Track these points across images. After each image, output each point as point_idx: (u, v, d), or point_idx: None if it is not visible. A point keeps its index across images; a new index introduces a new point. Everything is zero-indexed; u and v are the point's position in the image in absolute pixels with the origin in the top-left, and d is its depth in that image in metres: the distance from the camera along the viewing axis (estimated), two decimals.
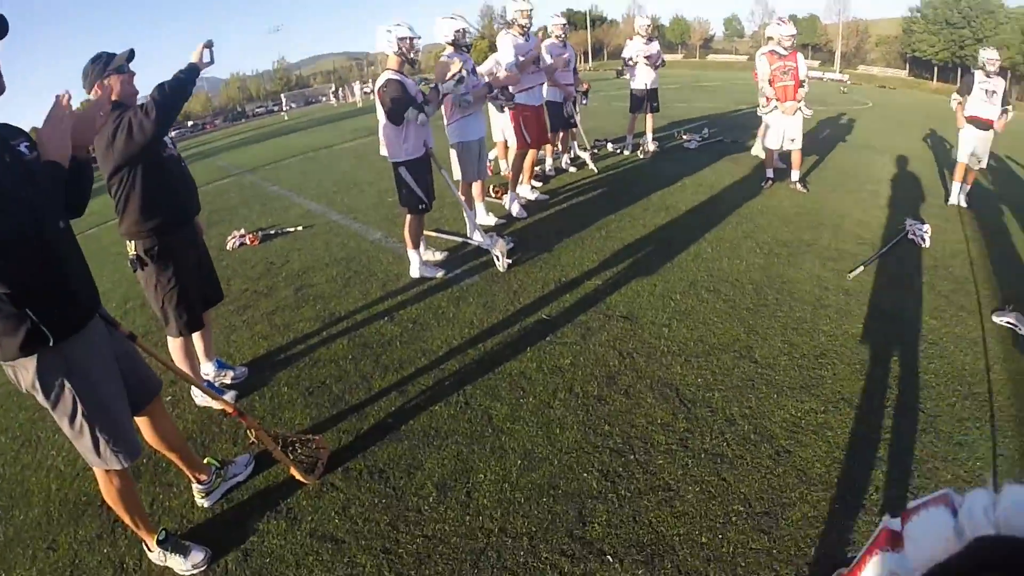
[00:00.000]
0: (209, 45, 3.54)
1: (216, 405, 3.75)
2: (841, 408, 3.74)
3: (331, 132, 22.36)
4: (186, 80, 3.43)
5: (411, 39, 5.16)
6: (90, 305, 2.48)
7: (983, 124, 7.94)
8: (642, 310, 5.04)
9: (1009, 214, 8.06)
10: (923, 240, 6.58)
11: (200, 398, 4.07)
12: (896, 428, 3.57)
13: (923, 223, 6.84)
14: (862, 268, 5.76)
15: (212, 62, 3.61)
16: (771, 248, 6.32)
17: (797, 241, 6.55)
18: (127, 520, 2.79)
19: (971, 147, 8.04)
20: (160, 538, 2.85)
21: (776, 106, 8.55)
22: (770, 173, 8.99)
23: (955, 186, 8.32)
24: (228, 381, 4.28)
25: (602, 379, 4.11)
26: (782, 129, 8.56)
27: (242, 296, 5.73)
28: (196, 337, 4.02)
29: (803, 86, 8.44)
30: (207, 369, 4.24)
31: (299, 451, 3.34)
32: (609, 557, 2.73)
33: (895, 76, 70.56)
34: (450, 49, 6.16)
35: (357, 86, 53.82)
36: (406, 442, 3.55)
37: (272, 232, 7.78)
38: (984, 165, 8.31)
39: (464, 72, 5.59)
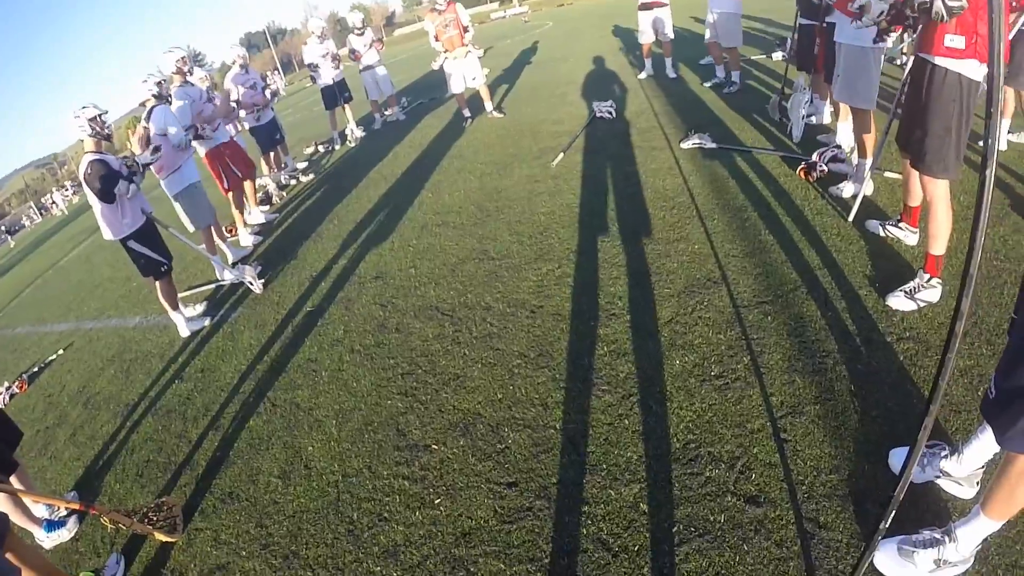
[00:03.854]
0: None
1: (64, 534, 4.06)
2: (571, 259, 4.97)
3: (49, 251, 20.83)
4: None
5: (99, 116, 5.55)
6: None
7: (650, 5, 9.84)
8: (387, 265, 6.00)
9: (684, 69, 10.20)
10: (611, 113, 8.34)
11: (47, 540, 4.25)
12: (626, 248, 4.90)
13: (607, 101, 8.61)
14: (563, 155, 7.26)
15: None
16: (482, 171, 7.68)
17: (504, 156, 8.01)
18: None
19: (645, 27, 10.01)
20: None
21: (447, 56, 10.08)
22: (467, 112, 10.67)
23: (647, 62, 10.50)
24: (64, 512, 4.47)
25: (374, 331, 4.95)
26: (461, 73, 10.15)
27: (37, 439, 5.72)
28: (15, 481, 4.16)
29: (467, 31, 10.02)
30: (39, 511, 4.38)
31: (155, 518, 3.68)
32: (434, 446, 3.51)
33: None
34: (151, 101, 6.62)
35: (57, 196, 49.64)
36: (239, 462, 4.06)
37: (36, 369, 7.59)
38: (666, 39, 10.17)
39: (159, 137, 6.21)
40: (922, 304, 3.45)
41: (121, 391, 5.82)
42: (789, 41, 8.02)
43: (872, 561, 2.19)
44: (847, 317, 3.53)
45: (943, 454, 2.41)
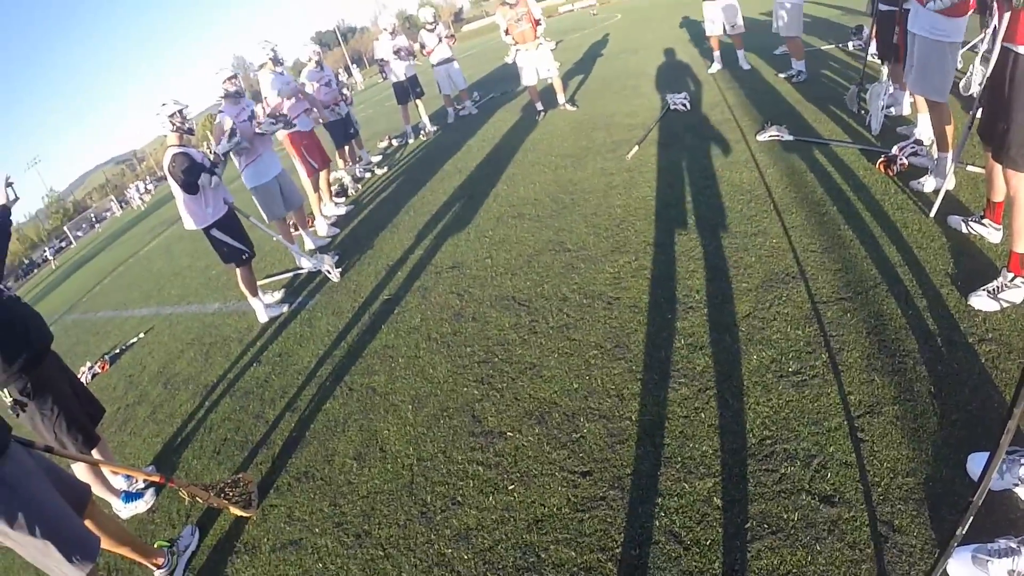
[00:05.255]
0: (9, 182, 3.85)
1: (141, 505, 4.35)
2: (648, 251, 5.01)
3: (129, 242, 21.88)
4: None
5: (179, 111, 5.83)
6: (4, 425, 2.87)
7: None
8: (464, 256, 6.15)
9: (756, 61, 10.05)
10: (685, 106, 8.30)
11: (124, 511, 4.52)
12: (703, 241, 4.91)
13: (680, 93, 8.59)
14: (637, 148, 7.28)
15: (17, 198, 3.94)
16: (556, 163, 7.79)
17: (577, 149, 8.09)
18: None
19: (713, 18, 9.87)
20: None
21: (519, 49, 10.18)
22: (539, 106, 10.76)
23: (715, 55, 10.33)
24: (141, 485, 4.73)
25: (451, 319, 5.09)
26: (534, 66, 10.22)
27: (117, 416, 6.05)
28: (96, 453, 4.42)
29: (540, 24, 10.07)
30: (118, 483, 4.66)
31: (231, 493, 3.90)
32: (508, 433, 3.61)
33: None
34: (222, 103, 7.00)
35: (133, 190, 51.88)
36: (314, 442, 4.25)
37: (118, 351, 8.03)
38: (736, 31, 9.98)
39: (234, 125, 6.46)
40: (1005, 304, 3.36)
41: (200, 373, 6.13)
42: (866, 29, 7.90)
43: (946, 568, 2.18)
44: (928, 316, 3.47)
45: (1023, 461, 2.38)
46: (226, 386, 5.61)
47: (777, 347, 3.54)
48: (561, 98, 10.58)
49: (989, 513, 2.32)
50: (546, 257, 5.49)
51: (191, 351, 6.80)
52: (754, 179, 5.75)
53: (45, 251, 52.14)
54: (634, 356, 3.87)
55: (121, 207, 55.89)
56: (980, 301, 3.42)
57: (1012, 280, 3.38)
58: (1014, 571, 2.09)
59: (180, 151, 5.72)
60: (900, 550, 2.32)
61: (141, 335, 8.27)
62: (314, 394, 4.85)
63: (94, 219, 63.35)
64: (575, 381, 3.83)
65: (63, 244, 55.32)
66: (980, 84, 3.55)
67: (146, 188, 52.86)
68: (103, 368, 7.75)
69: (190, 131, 5.96)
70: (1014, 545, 2.11)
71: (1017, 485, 2.39)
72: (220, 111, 6.96)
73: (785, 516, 2.57)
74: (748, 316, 3.88)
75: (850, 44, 9.63)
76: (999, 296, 3.39)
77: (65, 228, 60.26)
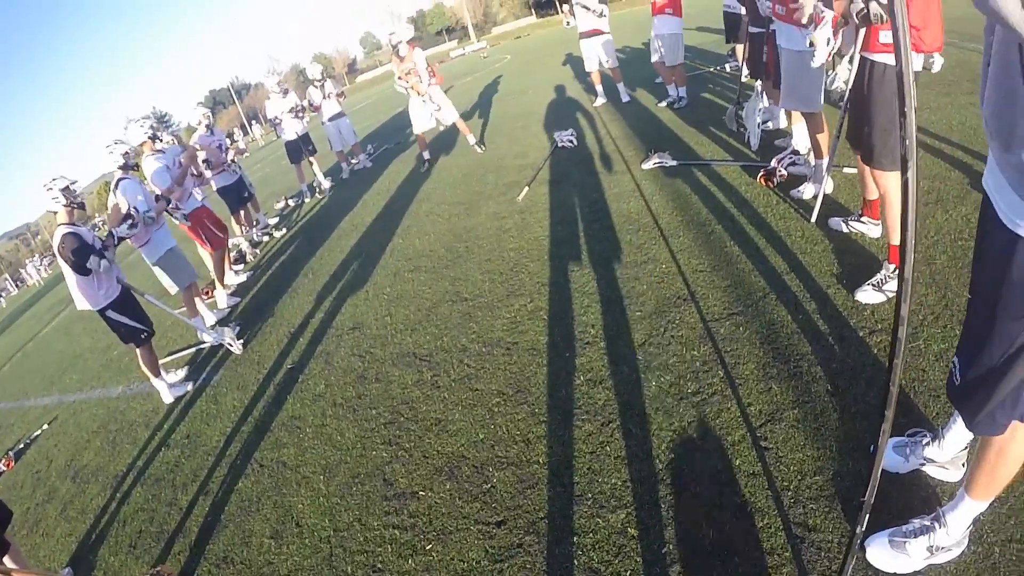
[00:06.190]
0: None
1: None
2: (543, 292, 4.97)
3: (28, 324, 20.77)
4: None
5: (70, 186, 5.59)
6: None
7: (590, 33, 10.22)
8: (363, 315, 5.99)
9: (640, 90, 10.31)
10: (572, 142, 8.45)
11: None
12: (596, 275, 4.91)
13: (567, 130, 8.73)
14: (527, 188, 7.33)
15: None
16: (450, 212, 7.73)
17: (469, 195, 8.08)
18: None
19: (590, 55, 10.34)
20: None
21: (410, 96, 10.20)
22: (426, 155, 10.89)
23: (598, 88, 10.83)
24: None
25: (354, 382, 4.93)
26: (427, 112, 10.26)
27: (28, 516, 5.68)
28: (8, 561, 4.12)
29: (435, 75, 10.11)
30: None
31: None
32: (421, 492, 3.48)
33: (527, 24, 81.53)
34: (119, 173, 6.66)
35: (31, 268, 49.53)
36: (230, 525, 4.01)
37: (22, 446, 7.55)
38: (611, 65, 10.45)
39: (134, 210, 6.16)
40: (890, 295, 3.51)
41: (109, 462, 5.77)
42: (739, 52, 8.23)
43: (866, 557, 2.20)
44: (818, 317, 3.56)
45: (925, 441, 2.42)
46: (136, 474, 5.29)
47: (675, 371, 3.54)
48: (471, 138, 10.62)
49: (902, 496, 2.38)
50: (444, 309, 5.39)
51: (97, 440, 6.40)
52: (641, 207, 5.83)
53: None
54: (536, 399, 3.80)
55: (16, 286, 53.51)
56: (866, 295, 3.57)
57: (894, 271, 3.54)
58: (932, 546, 2.10)
59: (70, 231, 5.46)
60: (818, 548, 2.33)
61: (45, 426, 7.80)
62: (225, 474, 4.61)
63: None
64: (481, 431, 3.73)
65: None
66: (846, 81, 3.72)
67: (43, 264, 50.62)
68: (8, 465, 7.27)
69: (81, 206, 5.72)
70: (927, 523, 2.13)
71: (924, 464, 2.43)
72: (120, 179, 6.63)
73: (700, 535, 2.54)
74: (644, 344, 3.87)
75: (727, 67, 10.01)
76: (883, 288, 3.54)
77: None
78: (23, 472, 6.79)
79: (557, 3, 79.68)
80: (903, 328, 1.49)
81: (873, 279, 3.59)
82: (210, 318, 7.71)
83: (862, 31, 3.38)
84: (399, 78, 10.20)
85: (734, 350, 3.53)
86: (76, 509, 5.29)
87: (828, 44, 3.84)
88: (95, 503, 5.22)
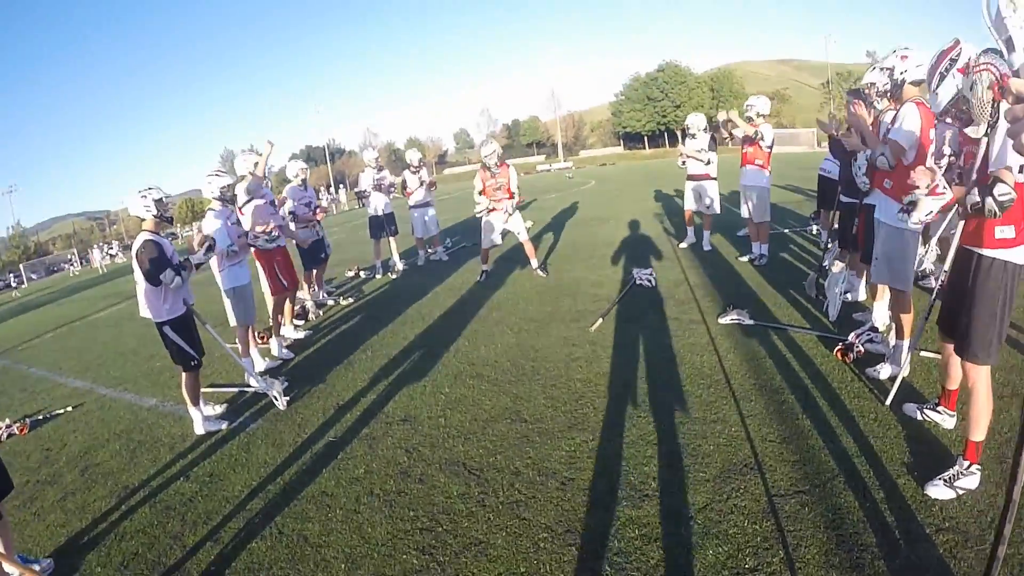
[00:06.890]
0: None
1: None
2: (606, 431, 4.89)
3: (81, 303, 21.19)
4: None
5: (164, 198, 5.90)
6: None
7: (697, 177, 10.69)
8: (417, 409, 5.93)
9: (718, 241, 10.46)
10: (650, 282, 8.55)
11: None
12: (660, 425, 4.83)
13: (647, 268, 8.88)
14: (601, 320, 7.37)
15: None
16: (520, 326, 7.76)
17: (542, 314, 8.13)
18: None
19: (696, 195, 10.74)
20: None
21: (490, 209, 10.44)
22: (485, 266, 11.10)
23: (689, 230, 11.14)
24: None
25: (396, 476, 4.83)
26: (498, 231, 10.53)
27: (25, 489, 5.63)
28: None
29: (515, 197, 10.39)
30: (9, 571, 4.26)
31: None
32: None
33: (613, 153, 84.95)
34: (217, 205, 7.04)
35: (96, 252, 50.90)
36: None
37: (41, 417, 7.59)
38: (713, 211, 10.79)
39: (213, 238, 6.41)
40: (961, 492, 3.43)
41: (123, 470, 5.74)
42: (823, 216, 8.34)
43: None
44: (885, 508, 3.46)
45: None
46: (148, 494, 5.22)
47: (733, 542, 3.42)
48: (534, 262, 10.73)
49: None
50: (502, 425, 5.32)
51: (117, 443, 6.38)
52: (714, 363, 5.80)
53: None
54: (586, 544, 3.69)
55: (82, 264, 54.78)
56: (937, 490, 3.48)
57: (968, 468, 3.47)
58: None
59: (152, 239, 5.69)
60: None
61: (69, 408, 7.84)
62: (240, 528, 4.49)
63: (51, 267, 62.30)
64: (522, 564, 3.62)
65: (14, 281, 53.56)
66: (933, 264, 3.76)
67: (107, 252, 51.80)
68: (22, 431, 7.28)
69: (169, 220, 6.02)
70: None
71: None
72: (209, 209, 7.08)
73: None
74: (705, 508, 3.76)
75: (812, 228, 10.09)
76: (955, 484, 3.46)
77: (21, 266, 58.79)
78: (34, 444, 6.79)
79: (679, 136, 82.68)
80: (1002, 547, 1.46)
81: (945, 474, 3.52)
82: (260, 364, 7.79)
83: (961, 222, 3.46)
84: (481, 192, 10.41)
85: (797, 530, 3.42)
86: (76, 503, 5.25)
87: (928, 215, 3.88)
88: (98, 505, 5.16)
